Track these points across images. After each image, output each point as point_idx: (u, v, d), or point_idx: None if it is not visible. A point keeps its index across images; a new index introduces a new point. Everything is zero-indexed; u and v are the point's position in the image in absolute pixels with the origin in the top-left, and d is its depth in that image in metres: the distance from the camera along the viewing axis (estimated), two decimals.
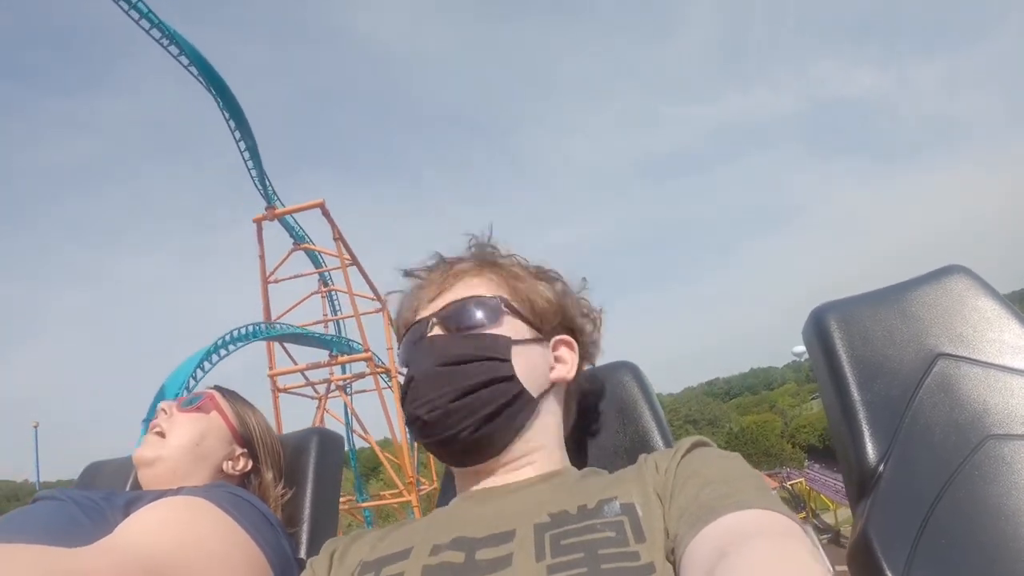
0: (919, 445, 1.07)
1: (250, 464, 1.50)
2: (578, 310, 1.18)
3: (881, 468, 1.07)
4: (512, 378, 1.01)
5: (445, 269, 1.13)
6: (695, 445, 0.94)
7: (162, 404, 1.49)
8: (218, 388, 1.58)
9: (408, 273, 1.18)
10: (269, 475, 1.49)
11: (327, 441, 1.67)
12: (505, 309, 1.07)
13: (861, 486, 1.09)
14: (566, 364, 1.12)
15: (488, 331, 1.04)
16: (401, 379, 1.08)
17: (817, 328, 1.23)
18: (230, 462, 1.47)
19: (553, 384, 1.09)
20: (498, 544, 0.84)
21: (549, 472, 1.02)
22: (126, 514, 1.14)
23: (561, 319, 1.13)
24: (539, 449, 1.04)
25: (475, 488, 1.03)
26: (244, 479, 1.49)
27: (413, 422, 1.01)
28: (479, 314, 1.05)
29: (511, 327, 1.06)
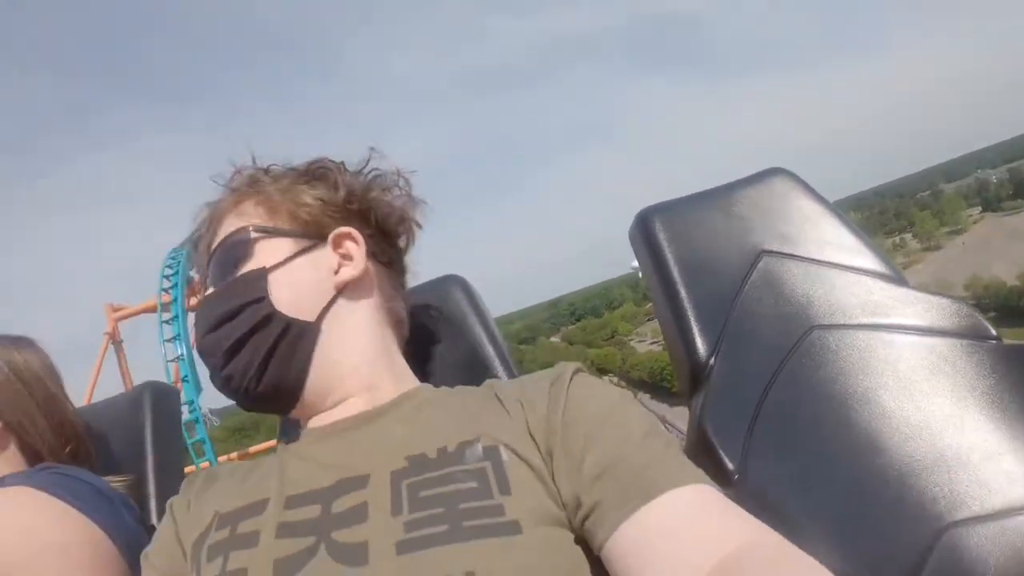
0: (747, 338, 1.08)
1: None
2: (363, 191, 1.04)
3: (712, 362, 1.08)
4: (273, 314, 0.93)
5: (208, 214, 1.04)
6: (576, 373, 0.86)
7: None
8: None
9: (189, 242, 1.08)
10: (31, 417, 1.22)
11: (161, 395, 1.52)
12: (256, 234, 0.97)
13: (694, 381, 1.10)
14: (352, 260, 1.00)
15: (241, 272, 0.95)
16: None
17: (643, 230, 1.22)
18: None
19: (342, 289, 0.99)
20: (351, 491, 0.78)
21: (401, 395, 0.94)
22: None
23: (340, 212, 1.01)
24: (357, 368, 0.96)
25: (323, 423, 0.94)
26: (22, 440, 1.22)
27: (220, 387, 0.96)
28: (232, 256, 0.97)
29: (267, 252, 0.97)
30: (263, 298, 0.93)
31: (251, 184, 1.02)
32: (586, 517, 0.73)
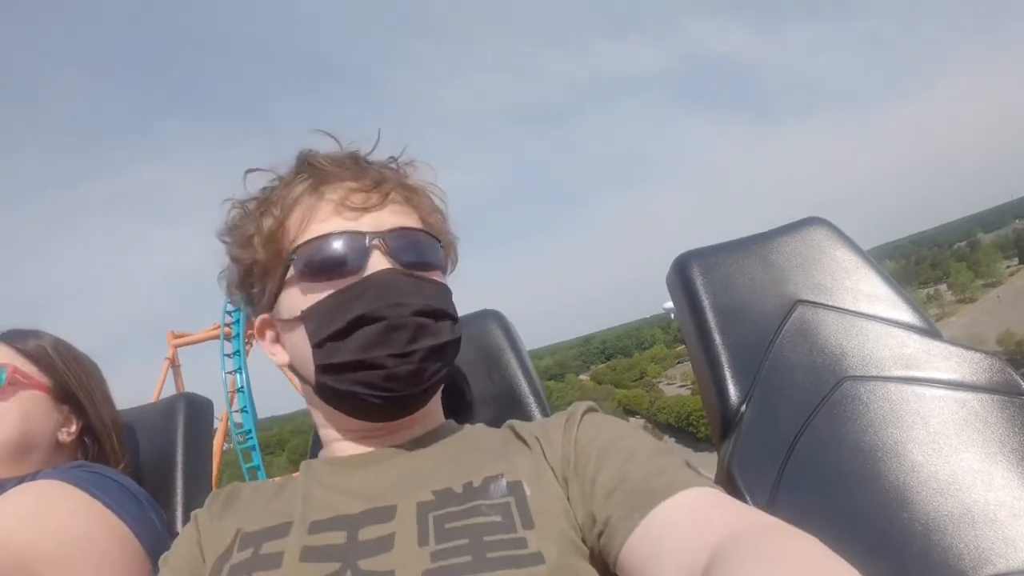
0: (779, 386, 1.09)
1: (81, 422, 1.25)
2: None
3: (743, 409, 1.09)
4: (460, 340, 0.94)
5: (375, 178, 0.94)
6: (588, 411, 0.89)
7: None
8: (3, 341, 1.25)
9: (311, 160, 0.96)
10: (103, 417, 1.27)
11: (196, 407, 1.54)
12: (443, 254, 0.97)
13: (724, 426, 1.11)
14: None
15: (438, 278, 0.93)
16: (298, 298, 0.91)
17: (680, 275, 1.24)
18: (64, 429, 1.22)
19: None
20: (379, 522, 0.79)
21: (430, 430, 0.96)
22: None
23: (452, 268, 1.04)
24: (439, 403, 1.00)
25: (353, 450, 0.94)
26: (81, 438, 1.27)
27: (370, 367, 0.86)
28: (431, 254, 0.93)
29: (443, 275, 0.97)
30: (457, 320, 0.94)
31: (420, 188, 0.99)
32: (600, 534, 0.75)
